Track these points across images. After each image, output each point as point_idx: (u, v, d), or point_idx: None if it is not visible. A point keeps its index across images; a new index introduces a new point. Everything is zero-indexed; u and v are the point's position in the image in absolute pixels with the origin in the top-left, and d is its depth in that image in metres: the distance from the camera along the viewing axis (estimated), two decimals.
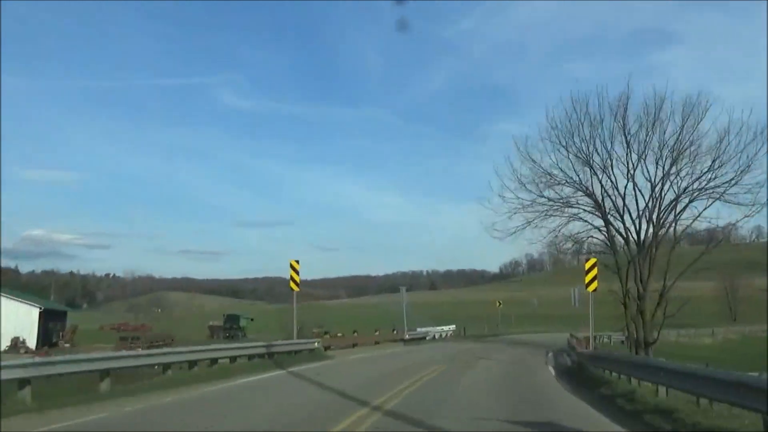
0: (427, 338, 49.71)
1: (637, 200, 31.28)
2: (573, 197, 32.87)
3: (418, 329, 50.27)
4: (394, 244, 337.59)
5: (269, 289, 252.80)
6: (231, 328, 66.47)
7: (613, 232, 32.35)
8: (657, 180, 30.66)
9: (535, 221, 32.71)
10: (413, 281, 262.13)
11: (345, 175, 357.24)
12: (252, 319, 71.70)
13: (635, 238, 31.71)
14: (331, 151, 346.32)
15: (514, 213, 32.50)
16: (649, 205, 30.92)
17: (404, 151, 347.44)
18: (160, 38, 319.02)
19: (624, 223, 31.91)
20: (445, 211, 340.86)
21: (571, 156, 31.88)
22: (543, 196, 32.50)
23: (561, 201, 32.94)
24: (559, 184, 32.47)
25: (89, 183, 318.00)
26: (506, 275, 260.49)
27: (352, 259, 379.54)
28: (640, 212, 31.35)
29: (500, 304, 60.51)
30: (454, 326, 56.67)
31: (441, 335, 53.22)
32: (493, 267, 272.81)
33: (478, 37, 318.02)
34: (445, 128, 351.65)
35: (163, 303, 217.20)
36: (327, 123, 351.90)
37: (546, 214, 32.73)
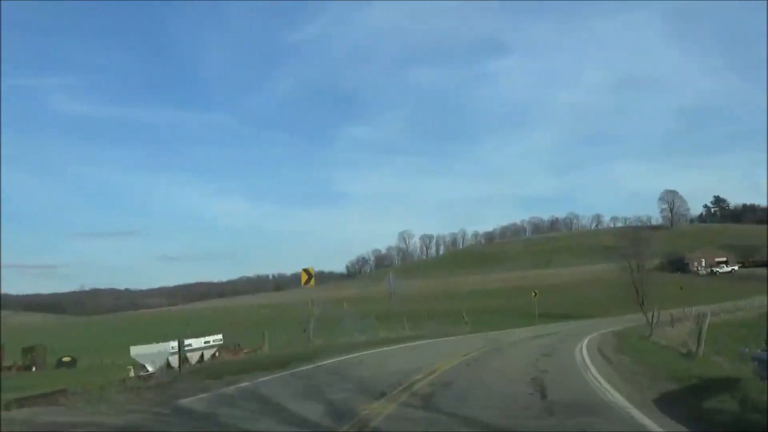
0: None
1: None
2: None
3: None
4: (242, 251, 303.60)
5: (97, 302, 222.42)
6: None
7: None
8: None
9: None
10: (259, 285, 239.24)
11: (193, 183, 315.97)
12: None
13: None
14: (178, 158, 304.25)
15: None
16: None
17: (252, 157, 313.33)
18: None
19: None
20: (294, 216, 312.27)
21: None
22: None
23: None
24: None
25: None
26: (354, 273, 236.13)
27: (197, 267, 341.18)
28: None
29: (310, 277, 23.89)
30: (220, 337, 26.11)
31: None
32: (339, 267, 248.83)
33: (325, 42, 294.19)
34: (292, 134, 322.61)
35: None
36: (173, 128, 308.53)
37: None
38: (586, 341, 25.50)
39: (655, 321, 41.19)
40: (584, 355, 18.32)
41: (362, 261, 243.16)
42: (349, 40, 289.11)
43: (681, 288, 73.31)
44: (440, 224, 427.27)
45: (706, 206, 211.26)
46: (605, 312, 66.95)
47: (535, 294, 57.64)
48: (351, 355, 20.17)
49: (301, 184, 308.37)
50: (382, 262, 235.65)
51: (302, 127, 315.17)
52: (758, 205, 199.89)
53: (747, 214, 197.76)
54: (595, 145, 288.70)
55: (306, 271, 26.53)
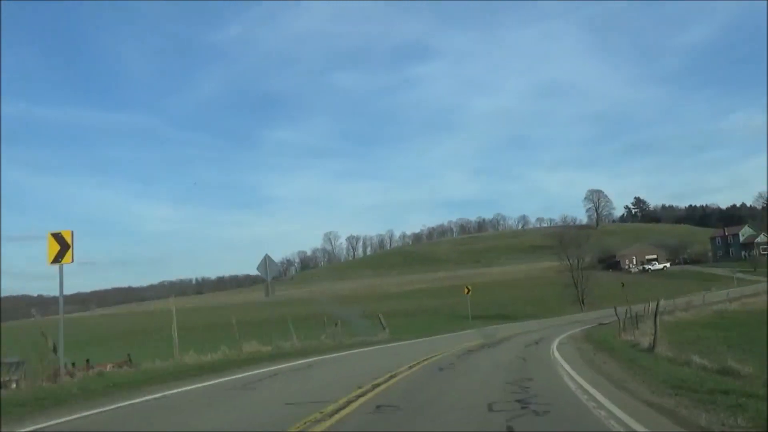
0: None
1: None
2: None
3: None
4: (165, 255, 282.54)
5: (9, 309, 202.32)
6: None
7: None
8: None
9: None
10: (181, 289, 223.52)
11: (112, 185, 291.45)
12: None
13: None
14: (96, 160, 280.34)
15: None
16: None
17: (175, 160, 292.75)
18: None
19: None
20: (218, 219, 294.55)
21: None
22: None
23: None
24: None
25: None
26: (278, 276, 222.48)
27: (116, 272, 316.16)
28: None
29: (65, 248, 8.03)
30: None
31: None
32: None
33: (249, 44, 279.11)
34: (217, 136, 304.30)
35: None
36: (91, 129, 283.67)
37: None
38: (560, 357, 15.35)
39: (623, 320, 31.88)
40: (611, 409, 7.77)
41: (287, 263, 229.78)
42: (273, 41, 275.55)
43: (623, 285, 65.65)
44: (367, 226, 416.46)
45: (627, 207, 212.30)
46: (543, 311, 58.60)
47: (469, 290, 47.84)
48: (102, 409, 8.83)
49: (226, 187, 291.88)
50: (307, 264, 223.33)
51: (226, 130, 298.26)
52: (676, 206, 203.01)
53: (665, 214, 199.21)
54: (518, 149, 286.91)
55: (56, 236, 13.04)
